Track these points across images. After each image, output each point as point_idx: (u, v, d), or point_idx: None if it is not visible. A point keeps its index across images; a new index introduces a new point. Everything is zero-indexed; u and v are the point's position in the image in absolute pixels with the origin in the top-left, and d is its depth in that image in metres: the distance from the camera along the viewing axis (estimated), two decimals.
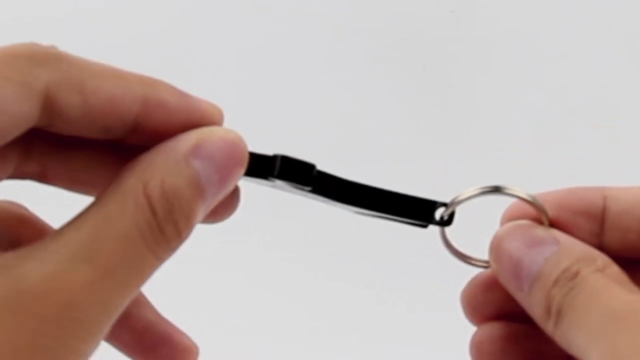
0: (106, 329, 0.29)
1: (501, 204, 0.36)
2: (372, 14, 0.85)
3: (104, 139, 0.32)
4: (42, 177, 0.34)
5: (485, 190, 0.35)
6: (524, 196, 0.35)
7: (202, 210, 0.31)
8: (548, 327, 0.32)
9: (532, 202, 0.34)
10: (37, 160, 0.33)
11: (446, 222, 0.36)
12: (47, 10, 0.84)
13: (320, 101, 0.83)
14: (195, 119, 0.32)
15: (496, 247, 0.34)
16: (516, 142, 0.80)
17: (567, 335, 0.31)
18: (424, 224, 0.36)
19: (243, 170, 0.32)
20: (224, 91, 0.83)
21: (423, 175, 0.76)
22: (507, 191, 0.35)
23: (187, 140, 0.31)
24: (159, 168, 0.30)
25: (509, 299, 0.34)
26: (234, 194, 0.34)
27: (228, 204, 0.34)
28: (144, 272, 0.30)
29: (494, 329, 0.36)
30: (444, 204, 0.36)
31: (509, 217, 0.35)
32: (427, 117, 0.82)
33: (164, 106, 0.32)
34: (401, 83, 0.83)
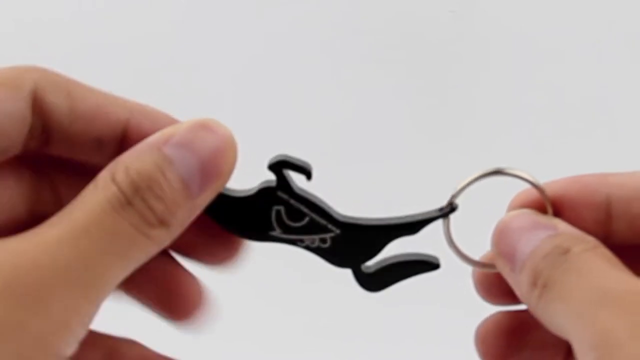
0: (98, 290, 0.29)
1: (503, 199, 0.36)
2: (372, 14, 0.85)
3: (99, 158, 0.32)
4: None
5: (485, 173, 0.35)
6: (525, 176, 0.35)
7: (182, 192, 0.31)
8: (531, 300, 0.32)
9: (533, 183, 0.34)
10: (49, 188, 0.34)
11: (451, 210, 0.35)
12: (48, 12, 0.84)
13: (320, 101, 0.83)
14: None
15: (498, 232, 0.34)
16: (516, 142, 0.80)
17: (549, 310, 0.31)
18: (435, 263, 0.36)
19: (229, 160, 0.32)
20: (225, 91, 0.83)
21: (423, 175, 0.76)
22: (508, 172, 0.35)
23: (161, 133, 0.32)
24: (127, 157, 0.31)
25: None
26: (234, 243, 0.35)
27: (228, 249, 0.35)
28: (125, 241, 0.30)
29: (498, 320, 0.36)
30: (442, 211, 0.35)
31: (514, 206, 0.35)
32: (427, 117, 0.82)
33: (152, 117, 0.33)
34: (401, 83, 0.83)
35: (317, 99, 0.83)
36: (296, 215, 0.34)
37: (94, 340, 0.34)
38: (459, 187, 0.35)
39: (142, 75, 0.83)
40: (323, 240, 0.35)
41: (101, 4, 0.85)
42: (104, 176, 0.31)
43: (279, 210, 0.34)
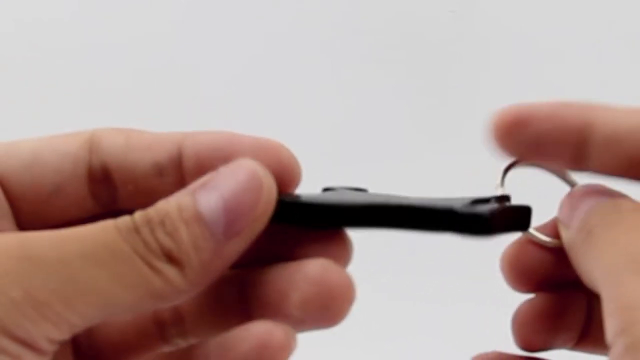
0: (79, 297, 0.29)
1: None
2: (372, 14, 0.85)
3: (162, 185, 0.32)
4: None
5: (509, 164, 0.34)
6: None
7: (202, 235, 0.30)
8: (575, 245, 0.31)
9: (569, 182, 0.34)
10: None
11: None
12: (48, 12, 0.84)
13: (320, 101, 0.83)
14: (248, 149, 0.32)
15: (564, 199, 0.33)
16: None
17: (587, 259, 0.30)
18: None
19: (261, 203, 0.30)
20: (225, 91, 0.83)
21: (423, 175, 0.76)
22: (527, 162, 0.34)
23: (204, 176, 0.31)
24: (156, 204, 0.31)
25: (557, 259, 0.33)
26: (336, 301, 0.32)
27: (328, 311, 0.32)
28: (124, 263, 0.29)
29: (536, 304, 0.35)
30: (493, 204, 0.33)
31: None
32: (427, 117, 0.82)
33: (206, 134, 0.33)
34: (401, 83, 0.83)
35: (317, 99, 0.83)
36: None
37: None
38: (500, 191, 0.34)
39: (142, 75, 0.83)
40: None
41: (101, 4, 0.85)
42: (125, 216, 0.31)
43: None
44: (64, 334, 0.29)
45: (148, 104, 0.82)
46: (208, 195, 0.30)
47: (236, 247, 0.30)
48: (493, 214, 0.31)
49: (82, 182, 0.33)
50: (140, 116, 0.79)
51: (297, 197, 0.33)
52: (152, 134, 0.33)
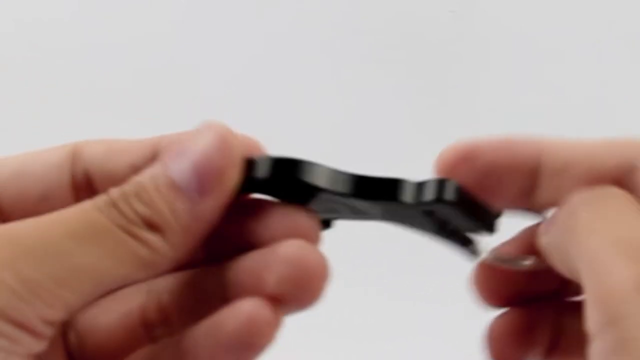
0: (70, 274, 0.30)
1: None
2: (372, 14, 0.85)
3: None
4: None
5: None
6: None
7: (175, 198, 0.31)
8: (556, 236, 0.31)
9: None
10: None
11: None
12: (48, 12, 0.85)
13: (320, 101, 0.83)
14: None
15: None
16: None
17: (568, 245, 0.30)
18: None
19: (226, 159, 0.31)
20: (225, 91, 0.83)
21: (423, 176, 0.76)
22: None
23: (168, 148, 0.32)
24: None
25: (527, 274, 0.33)
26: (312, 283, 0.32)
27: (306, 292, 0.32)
28: (106, 236, 0.30)
29: (510, 318, 0.35)
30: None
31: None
32: (427, 117, 0.82)
33: (179, 135, 0.33)
34: (401, 83, 0.83)
35: (317, 99, 0.83)
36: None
37: None
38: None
39: (142, 75, 0.83)
40: None
41: (101, 4, 0.85)
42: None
43: None
44: (58, 313, 0.30)
45: (148, 104, 0.82)
46: (178, 161, 0.31)
47: (212, 205, 0.31)
48: (454, 184, 0.32)
49: (67, 191, 0.34)
50: (140, 116, 0.79)
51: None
52: (130, 140, 0.34)
